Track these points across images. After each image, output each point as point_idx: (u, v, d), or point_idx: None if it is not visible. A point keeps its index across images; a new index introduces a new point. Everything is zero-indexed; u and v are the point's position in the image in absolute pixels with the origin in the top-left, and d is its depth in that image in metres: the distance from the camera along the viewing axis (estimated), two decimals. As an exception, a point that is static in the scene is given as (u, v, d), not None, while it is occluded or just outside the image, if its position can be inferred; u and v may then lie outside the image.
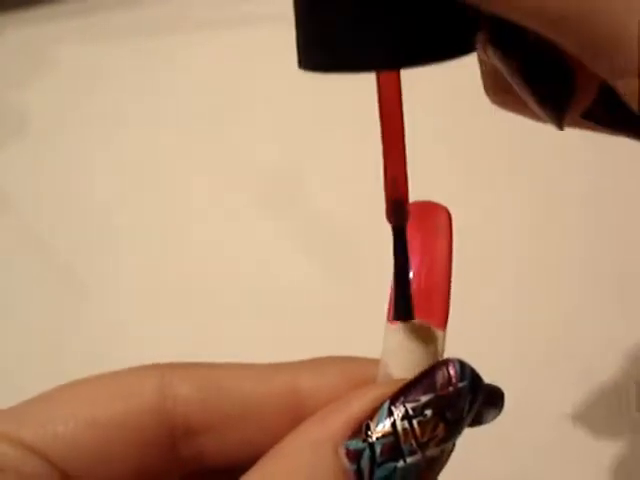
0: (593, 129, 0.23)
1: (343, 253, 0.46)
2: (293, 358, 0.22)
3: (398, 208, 0.19)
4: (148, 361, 0.21)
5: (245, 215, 0.48)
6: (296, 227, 0.47)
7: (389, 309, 0.20)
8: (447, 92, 0.51)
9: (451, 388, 0.18)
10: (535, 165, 0.50)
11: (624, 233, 0.46)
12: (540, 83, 0.21)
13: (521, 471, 0.37)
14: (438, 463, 0.18)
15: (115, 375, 0.20)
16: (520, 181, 0.49)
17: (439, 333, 0.19)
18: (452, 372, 0.18)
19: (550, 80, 0.21)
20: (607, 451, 0.38)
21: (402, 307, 0.19)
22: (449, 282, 0.20)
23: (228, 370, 0.21)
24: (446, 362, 0.18)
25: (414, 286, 0.20)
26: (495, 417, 0.21)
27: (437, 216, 0.21)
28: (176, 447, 0.20)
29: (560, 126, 0.22)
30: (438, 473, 0.19)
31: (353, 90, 0.54)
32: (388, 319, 0.20)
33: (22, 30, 0.59)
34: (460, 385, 0.18)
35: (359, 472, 0.18)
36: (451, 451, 0.19)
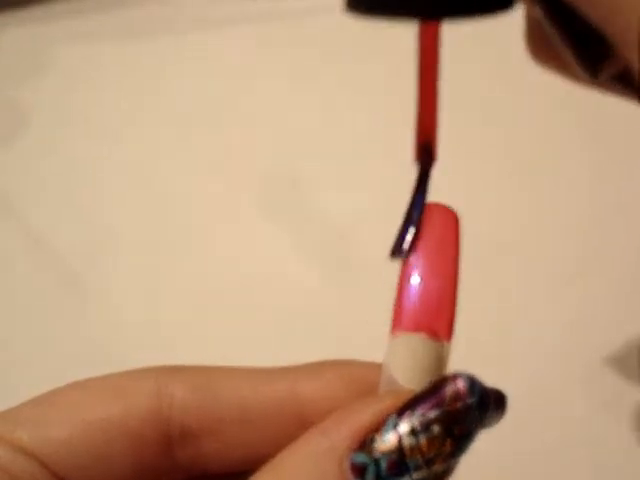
0: (622, 94, 0.24)
1: (343, 254, 0.46)
2: (293, 359, 0.22)
3: (425, 151, 0.20)
4: (148, 363, 0.21)
5: (245, 216, 0.48)
6: (296, 228, 0.47)
7: (393, 319, 0.20)
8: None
9: (459, 404, 0.18)
10: (537, 164, 0.50)
11: (628, 233, 0.46)
12: (580, 40, 0.23)
13: (522, 472, 0.37)
14: (444, 478, 0.18)
15: (111, 378, 0.20)
16: (522, 181, 0.49)
17: (445, 344, 0.19)
18: (461, 387, 0.18)
19: (589, 38, 0.22)
20: (608, 450, 0.37)
21: (401, 244, 0.20)
22: (456, 293, 0.19)
23: (226, 374, 0.20)
24: (455, 377, 0.18)
25: (420, 296, 0.19)
26: (497, 421, 0.21)
27: (446, 223, 0.20)
28: (173, 450, 0.20)
29: (592, 81, 0.23)
30: None
31: (354, 91, 0.54)
32: (392, 329, 0.19)
33: (22, 30, 0.59)
34: (469, 401, 0.18)
35: None
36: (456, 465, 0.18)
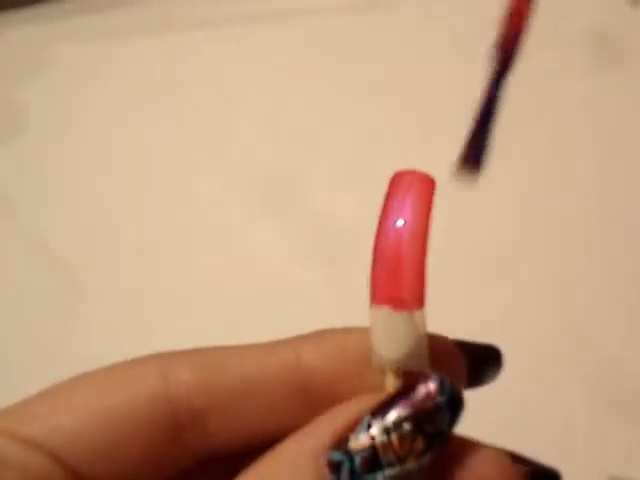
0: None
1: (343, 253, 0.46)
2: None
3: (512, 41, 0.19)
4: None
5: (245, 216, 0.48)
6: (296, 227, 0.47)
7: (371, 292, 0.20)
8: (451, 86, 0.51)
9: (430, 403, 0.18)
10: (541, 164, 0.50)
11: (631, 234, 0.46)
12: None
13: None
14: (419, 476, 0.18)
15: (115, 366, 0.20)
16: (525, 181, 0.49)
17: (416, 313, 0.19)
18: (432, 387, 0.18)
19: None
20: (608, 450, 0.38)
21: (475, 156, 0.19)
22: (424, 262, 0.20)
23: (227, 350, 0.21)
24: (426, 377, 0.19)
25: (387, 267, 0.20)
26: (495, 376, 0.21)
27: (420, 186, 0.20)
28: (182, 432, 0.20)
29: None
30: None
31: (353, 90, 0.54)
32: (370, 301, 0.20)
33: (22, 30, 0.59)
34: (439, 400, 0.18)
35: None
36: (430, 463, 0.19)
